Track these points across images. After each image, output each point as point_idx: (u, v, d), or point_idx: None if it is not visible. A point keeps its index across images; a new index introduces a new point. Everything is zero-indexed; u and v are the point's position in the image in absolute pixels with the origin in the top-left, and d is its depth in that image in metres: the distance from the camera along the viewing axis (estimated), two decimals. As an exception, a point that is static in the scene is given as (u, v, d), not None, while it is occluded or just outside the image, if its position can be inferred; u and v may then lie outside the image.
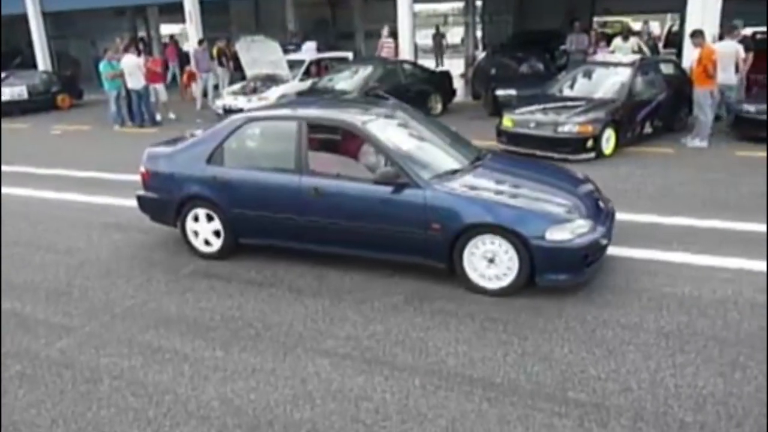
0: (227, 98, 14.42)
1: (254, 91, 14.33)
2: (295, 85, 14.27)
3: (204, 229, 6.04)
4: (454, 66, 21.95)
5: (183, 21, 19.94)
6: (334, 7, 28.51)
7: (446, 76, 15.31)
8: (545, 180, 5.71)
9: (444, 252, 5.11)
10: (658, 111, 10.44)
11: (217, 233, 6.00)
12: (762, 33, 20.22)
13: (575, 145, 9.25)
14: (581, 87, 10.65)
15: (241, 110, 14.18)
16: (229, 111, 14.32)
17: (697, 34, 10.24)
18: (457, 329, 4.57)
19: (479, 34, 27.12)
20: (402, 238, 5.24)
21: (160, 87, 15.36)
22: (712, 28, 11.86)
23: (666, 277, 5.24)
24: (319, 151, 5.89)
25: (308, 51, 16.62)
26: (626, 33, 14.47)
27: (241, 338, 4.59)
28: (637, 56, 11.85)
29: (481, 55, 21.46)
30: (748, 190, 7.60)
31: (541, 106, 10.10)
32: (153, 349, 4.48)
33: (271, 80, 14.54)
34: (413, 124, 6.10)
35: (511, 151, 9.67)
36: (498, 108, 11.84)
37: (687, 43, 11.38)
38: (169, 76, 20.53)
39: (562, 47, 17.31)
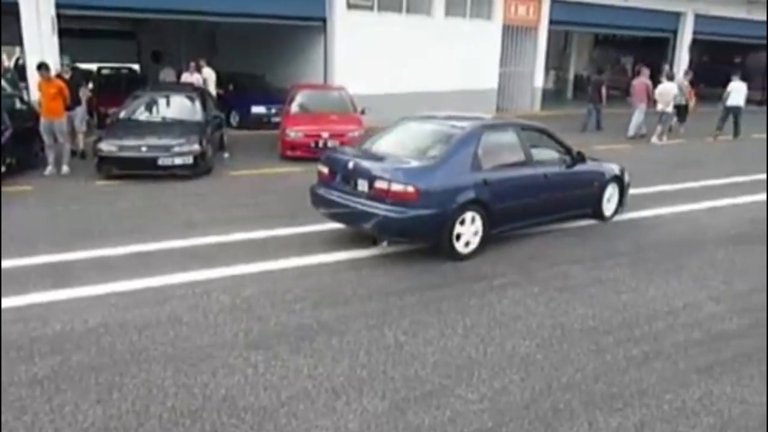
0: None
1: None
2: None
3: (468, 231, 6.60)
4: None
5: None
6: None
7: None
8: None
9: (597, 201, 8.17)
10: (6, 149, 9.82)
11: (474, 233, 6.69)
12: (108, 68, 21.66)
13: None
14: None
15: None
16: None
17: (43, 67, 10.22)
18: None
19: None
20: (582, 196, 7.98)
21: None
22: (54, 62, 11.95)
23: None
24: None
25: None
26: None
27: None
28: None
29: None
30: (107, 214, 8.03)
31: None
32: None
33: None
34: None
35: None
36: None
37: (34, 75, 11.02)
38: None
39: None
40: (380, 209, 6.28)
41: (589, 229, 8.02)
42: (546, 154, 7.66)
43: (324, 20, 16.85)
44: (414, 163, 6.56)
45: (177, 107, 11.76)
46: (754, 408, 4.10)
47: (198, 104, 11.80)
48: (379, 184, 6.35)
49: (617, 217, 8.48)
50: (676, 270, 6.61)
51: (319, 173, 7.23)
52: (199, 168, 10.44)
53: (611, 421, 3.89)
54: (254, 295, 5.60)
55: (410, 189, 6.17)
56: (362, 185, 6.55)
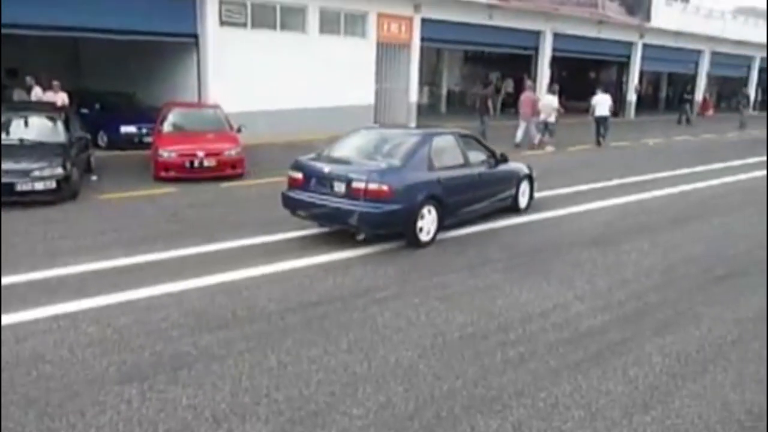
0: None
1: None
2: None
3: (428, 223, 7.68)
4: None
5: None
6: None
7: None
8: None
9: (515, 194, 9.51)
10: None
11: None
12: None
13: None
14: None
15: None
16: None
17: None
18: None
19: None
20: (504, 191, 9.29)
21: None
22: None
23: None
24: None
25: None
26: None
27: None
28: None
29: None
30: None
31: None
32: None
33: None
34: None
35: None
36: None
37: None
38: None
39: None
40: (358, 206, 7.22)
41: (465, 238, 8.33)
42: (477, 156, 8.93)
43: (196, 36, 16.43)
44: (384, 165, 7.61)
45: (37, 128, 10.92)
46: (618, 397, 4.41)
47: (60, 124, 11.05)
48: (356, 185, 7.28)
49: (491, 224, 8.90)
50: (546, 273, 7.01)
51: (292, 179, 8.00)
52: (64, 192, 9.76)
53: (491, 423, 4.03)
54: (127, 324, 5.30)
55: (384, 187, 7.20)
56: (339, 186, 7.44)
